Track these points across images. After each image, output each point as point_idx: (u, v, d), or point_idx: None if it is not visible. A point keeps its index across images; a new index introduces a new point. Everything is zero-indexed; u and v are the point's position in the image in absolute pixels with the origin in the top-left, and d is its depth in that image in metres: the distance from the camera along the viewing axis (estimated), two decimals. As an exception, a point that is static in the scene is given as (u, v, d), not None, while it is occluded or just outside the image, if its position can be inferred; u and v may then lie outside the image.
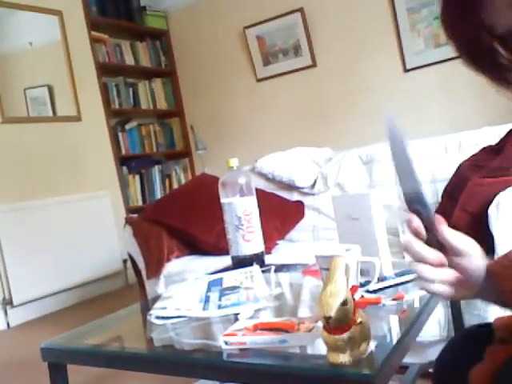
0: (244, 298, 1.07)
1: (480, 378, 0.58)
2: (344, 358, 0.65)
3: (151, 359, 0.89)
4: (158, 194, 4.11)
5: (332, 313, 0.62)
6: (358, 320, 0.66)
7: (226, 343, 0.81)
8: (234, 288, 1.15)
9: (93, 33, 3.70)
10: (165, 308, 1.06)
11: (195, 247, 2.15)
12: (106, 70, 3.80)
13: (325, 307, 0.63)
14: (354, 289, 0.67)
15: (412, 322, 0.86)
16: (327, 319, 0.63)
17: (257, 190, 2.34)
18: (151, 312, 1.06)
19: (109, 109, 3.77)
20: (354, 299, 0.66)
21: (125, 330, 1.13)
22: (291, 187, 2.32)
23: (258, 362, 0.78)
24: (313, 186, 2.26)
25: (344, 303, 0.63)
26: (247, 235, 1.34)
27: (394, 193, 2.03)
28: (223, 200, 1.35)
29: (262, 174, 2.42)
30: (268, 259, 1.52)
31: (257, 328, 0.83)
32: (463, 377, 0.59)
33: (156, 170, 4.17)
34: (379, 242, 1.07)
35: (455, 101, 3.24)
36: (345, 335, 0.64)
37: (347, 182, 2.17)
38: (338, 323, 0.63)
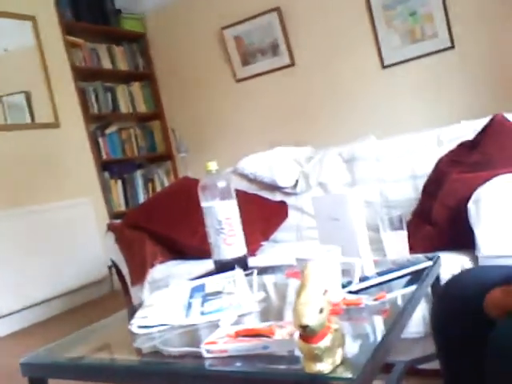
0: (227, 303, 1.06)
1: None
2: (321, 367, 0.64)
3: (132, 370, 0.87)
4: (141, 198, 4.08)
5: (307, 322, 0.61)
6: (334, 327, 0.65)
7: (208, 351, 0.80)
8: (216, 293, 1.14)
9: (68, 37, 3.65)
10: (146, 317, 1.05)
11: (179, 252, 2.13)
12: (83, 75, 3.75)
13: (300, 316, 0.62)
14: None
15: (394, 321, 0.86)
16: (303, 328, 0.62)
17: (239, 191, 2.33)
18: (132, 321, 1.04)
19: (87, 114, 3.73)
20: (330, 303, 0.65)
21: (107, 341, 1.11)
22: (273, 187, 2.32)
23: (241, 369, 0.77)
24: (295, 185, 2.26)
25: (319, 311, 0.62)
26: (228, 239, 1.33)
27: (375, 190, 2.04)
28: (203, 204, 1.34)
29: (244, 175, 2.41)
30: (252, 261, 1.51)
31: (238, 335, 0.82)
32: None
33: (138, 174, 4.14)
34: (360, 241, 1.07)
35: (434, 96, 3.27)
36: (321, 343, 0.63)
37: (329, 180, 2.18)
38: (314, 332, 0.62)
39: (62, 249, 3.25)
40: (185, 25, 4.01)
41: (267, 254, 1.98)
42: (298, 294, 0.64)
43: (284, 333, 0.78)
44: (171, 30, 4.09)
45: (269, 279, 1.33)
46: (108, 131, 3.94)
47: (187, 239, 2.03)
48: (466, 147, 1.54)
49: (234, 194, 1.35)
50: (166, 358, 0.94)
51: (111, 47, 4.07)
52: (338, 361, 0.67)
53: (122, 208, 3.93)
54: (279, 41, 3.67)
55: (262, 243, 2.14)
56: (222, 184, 1.33)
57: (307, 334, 0.62)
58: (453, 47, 3.10)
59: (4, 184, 3.09)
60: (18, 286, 2.99)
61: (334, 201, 1.11)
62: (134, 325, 1.03)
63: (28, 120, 3.35)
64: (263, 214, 2.19)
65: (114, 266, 2.23)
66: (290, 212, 2.26)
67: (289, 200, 2.27)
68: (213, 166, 1.34)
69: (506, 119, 1.50)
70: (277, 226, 2.24)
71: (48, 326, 2.97)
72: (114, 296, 3.41)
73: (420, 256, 1.21)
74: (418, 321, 1.41)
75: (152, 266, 2.10)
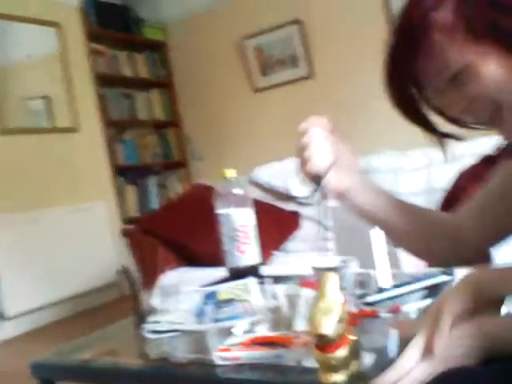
0: (240, 310, 1.05)
1: None
2: (337, 378, 0.63)
3: (142, 374, 0.87)
4: (154, 204, 4.09)
5: (326, 331, 0.59)
6: (351, 338, 0.64)
7: (220, 358, 0.79)
8: (229, 301, 1.13)
9: (91, 44, 3.70)
10: (158, 322, 1.04)
11: (191, 258, 2.13)
12: (103, 81, 3.80)
13: (318, 325, 0.60)
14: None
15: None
16: (320, 337, 0.60)
17: (253, 200, 2.31)
18: (144, 326, 1.04)
19: (106, 119, 3.76)
20: (348, 314, 0.64)
21: (117, 344, 1.11)
22: (288, 197, 2.31)
23: (253, 377, 0.76)
24: (310, 195, 2.25)
25: (338, 320, 0.60)
26: (242, 246, 1.32)
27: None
28: (219, 211, 1.34)
29: (259, 184, 2.40)
30: (264, 270, 1.50)
31: (253, 342, 0.81)
32: None
33: (152, 181, 4.16)
34: (376, 254, 1.06)
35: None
36: (338, 353, 0.61)
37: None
38: (332, 341, 0.61)
39: (74, 252, 3.27)
40: (205, 34, 4.04)
41: (278, 264, 1.97)
42: (316, 302, 0.63)
43: (299, 342, 0.77)
44: (192, 39, 4.13)
45: (281, 288, 1.32)
46: (125, 137, 3.98)
47: (199, 246, 2.03)
48: (487, 161, 1.52)
49: (250, 202, 1.34)
50: (176, 363, 0.93)
51: (132, 55, 4.12)
52: (354, 372, 0.66)
53: (135, 213, 3.95)
54: (298, 52, 3.68)
55: (273, 252, 2.13)
56: (238, 191, 1.32)
57: (324, 343, 0.61)
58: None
59: (20, 187, 3.13)
60: (29, 288, 3.01)
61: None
62: (146, 329, 1.02)
63: (47, 124, 3.39)
64: (276, 223, 2.18)
65: (124, 270, 2.24)
66: (305, 222, 2.25)
67: (303, 210, 2.26)
68: (230, 173, 1.34)
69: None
70: (288, 235, 2.23)
71: (59, 328, 2.97)
72: (123, 300, 3.40)
73: (436, 270, 1.19)
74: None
75: (163, 271, 2.10)
